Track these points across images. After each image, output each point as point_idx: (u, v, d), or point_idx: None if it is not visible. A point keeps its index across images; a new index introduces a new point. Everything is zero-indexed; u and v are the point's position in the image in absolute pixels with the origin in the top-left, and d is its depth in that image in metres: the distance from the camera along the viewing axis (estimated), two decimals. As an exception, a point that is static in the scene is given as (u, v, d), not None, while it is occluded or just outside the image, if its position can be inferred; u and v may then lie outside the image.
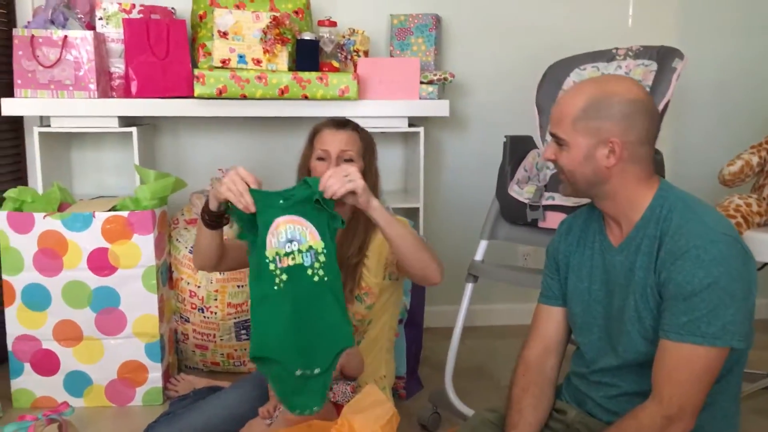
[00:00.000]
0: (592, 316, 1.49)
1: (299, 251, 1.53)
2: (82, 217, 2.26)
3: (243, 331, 2.53)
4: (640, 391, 1.39)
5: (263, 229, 1.51)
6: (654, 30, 3.02)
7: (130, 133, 2.60)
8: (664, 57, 2.08)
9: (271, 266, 1.51)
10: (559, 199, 2.00)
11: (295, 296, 1.51)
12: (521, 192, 2.09)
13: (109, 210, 2.29)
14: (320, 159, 1.87)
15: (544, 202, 2.02)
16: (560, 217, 1.97)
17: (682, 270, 1.30)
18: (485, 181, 2.88)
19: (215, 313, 2.50)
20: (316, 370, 1.53)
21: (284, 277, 1.51)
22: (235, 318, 2.52)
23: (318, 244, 1.54)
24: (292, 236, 1.53)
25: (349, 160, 1.85)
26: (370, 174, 1.87)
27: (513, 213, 2.10)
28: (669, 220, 1.36)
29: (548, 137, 2.13)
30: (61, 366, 2.33)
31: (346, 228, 1.79)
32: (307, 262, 1.53)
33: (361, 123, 2.65)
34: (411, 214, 2.73)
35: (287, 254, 1.52)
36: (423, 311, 2.57)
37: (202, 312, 2.51)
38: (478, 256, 2.19)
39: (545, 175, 2.19)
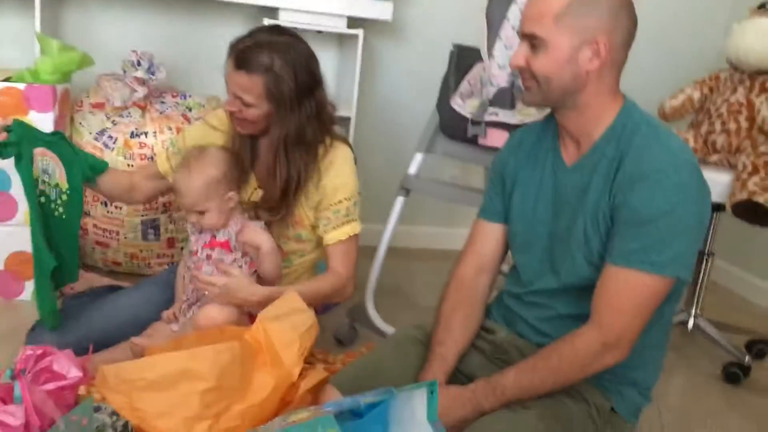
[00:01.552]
0: (534, 236, 1.41)
1: (49, 184, 1.72)
2: (-31, 84, 1.98)
3: (151, 231, 2.35)
4: (575, 314, 1.34)
5: (28, 152, 1.67)
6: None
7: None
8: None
9: (36, 183, 1.71)
10: (503, 116, 1.90)
11: (43, 219, 1.71)
12: (464, 105, 1.98)
13: (3, 80, 2.02)
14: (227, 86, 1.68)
15: (487, 118, 1.92)
16: (502, 134, 1.89)
17: (640, 194, 1.23)
18: (423, 96, 2.74)
19: (121, 209, 2.29)
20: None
21: (42, 199, 1.72)
22: (142, 215, 2.32)
23: (64, 185, 1.73)
24: (45, 169, 1.72)
25: (248, 106, 1.65)
26: (282, 120, 1.66)
27: (453, 127, 2.00)
28: (630, 141, 1.28)
29: (497, 48, 2.03)
30: (-60, 252, 2.09)
31: (275, 153, 1.69)
32: (53, 196, 1.73)
33: (294, 18, 2.48)
34: (341, 123, 2.57)
35: (43, 182, 1.72)
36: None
37: (106, 206, 2.29)
38: (413, 170, 2.08)
39: (489, 91, 2.09)
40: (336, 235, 1.76)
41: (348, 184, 1.76)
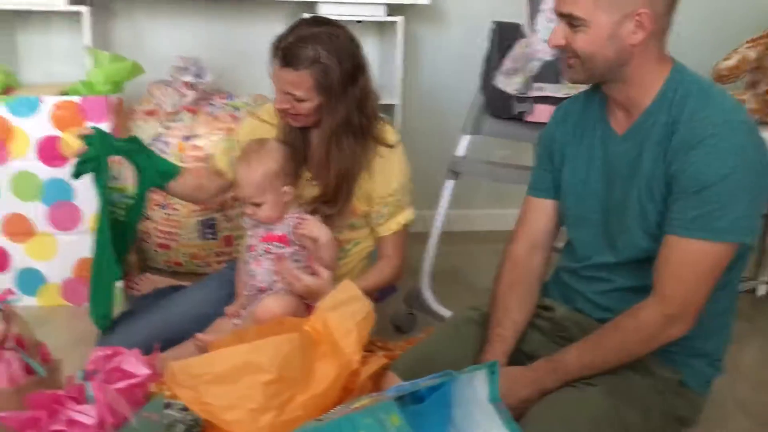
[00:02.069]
0: (587, 210, 1.38)
1: (114, 188, 1.85)
2: (29, 101, 2.06)
3: (208, 230, 2.40)
4: (636, 286, 1.32)
5: (105, 163, 1.75)
6: None
7: (80, 13, 2.36)
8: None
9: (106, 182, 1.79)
10: (549, 90, 1.87)
11: (110, 217, 1.79)
12: (508, 83, 1.95)
13: (60, 95, 2.09)
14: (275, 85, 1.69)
15: (533, 94, 1.89)
16: (550, 109, 1.84)
17: (696, 160, 1.19)
18: (466, 78, 2.71)
19: (178, 211, 2.35)
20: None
21: (107, 197, 1.79)
22: (199, 216, 2.37)
23: (131, 190, 1.85)
24: (117, 175, 1.89)
25: (299, 101, 1.65)
26: (333, 109, 1.67)
27: (498, 105, 1.97)
28: (683, 106, 1.23)
29: (540, 22, 1.99)
30: (12, 263, 2.18)
31: (328, 143, 1.70)
32: (116, 199, 1.83)
33: (333, 10, 2.47)
34: (387, 111, 2.57)
35: (111, 187, 1.82)
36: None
37: (164, 209, 2.36)
38: (460, 152, 2.06)
39: (533, 66, 2.04)
40: (389, 226, 1.79)
41: (398, 173, 1.77)
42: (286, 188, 1.67)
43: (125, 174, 1.84)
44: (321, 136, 1.74)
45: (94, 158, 1.71)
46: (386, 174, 1.75)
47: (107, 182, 1.77)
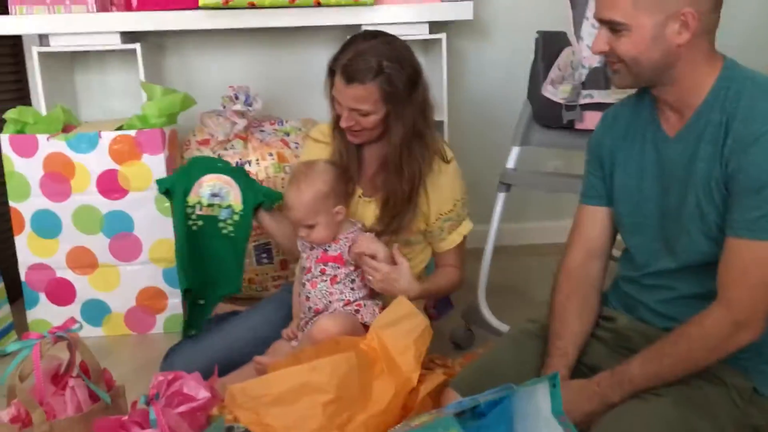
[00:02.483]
0: (643, 216, 1.34)
1: (219, 206, 1.86)
2: (88, 137, 2.13)
3: (263, 255, 2.43)
4: (700, 293, 1.26)
5: (192, 180, 1.86)
6: None
7: (134, 51, 2.45)
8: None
9: (189, 210, 1.86)
10: (598, 97, 1.83)
11: (203, 241, 1.87)
12: (556, 92, 1.92)
13: (116, 130, 2.16)
14: (339, 104, 1.69)
15: (582, 101, 1.86)
16: (600, 116, 1.82)
17: (755, 158, 1.14)
18: (512, 91, 2.70)
19: (233, 237, 2.39)
20: (201, 302, 1.93)
21: (200, 222, 1.87)
22: (254, 241, 2.40)
23: (238, 206, 1.86)
24: (218, 192, 1.86)
25: (366, 114, 1.66)
26: (401, 117, 1.67)
27: (547, 115, 1.94)
28: (737, 102, 1.19)
29: (585, 30, 1.96)
30: (78, 294, 2.25)
31: (399, 152, 1.70)
32: (222, 216, 1.86)
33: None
34: (435, 127, 2.56)
35: (209, 205, 1.86)
36: (451, 230, 2.45)
37: (220, 236, 2.40)
38: (511, 164, 2.04)
39: (581, 74, 2.02)
40: (452, 240, 1.82)
41: (455, 189, 1.78)
42: (337, 208, 1.68)
43: (232, 193, 1.88)
44: (376, 153, 1.76)
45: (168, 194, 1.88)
46: (443, 190, 1.76)
47: (184, 205, 1.85)
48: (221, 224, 1.87)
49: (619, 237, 1.45)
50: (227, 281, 1.92)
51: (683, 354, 1.22)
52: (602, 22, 1.23)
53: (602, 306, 1.44)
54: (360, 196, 1.79)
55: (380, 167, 1.78)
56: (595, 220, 1.44)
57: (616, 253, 1.49)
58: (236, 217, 1.87)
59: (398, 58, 1.65)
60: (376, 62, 1.62)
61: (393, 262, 1.67)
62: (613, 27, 1.21)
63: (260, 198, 1.87)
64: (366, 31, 1.74)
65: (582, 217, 1.46)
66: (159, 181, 1.91)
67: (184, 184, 1.86)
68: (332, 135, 1.80)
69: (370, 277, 1.65)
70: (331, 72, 1.69)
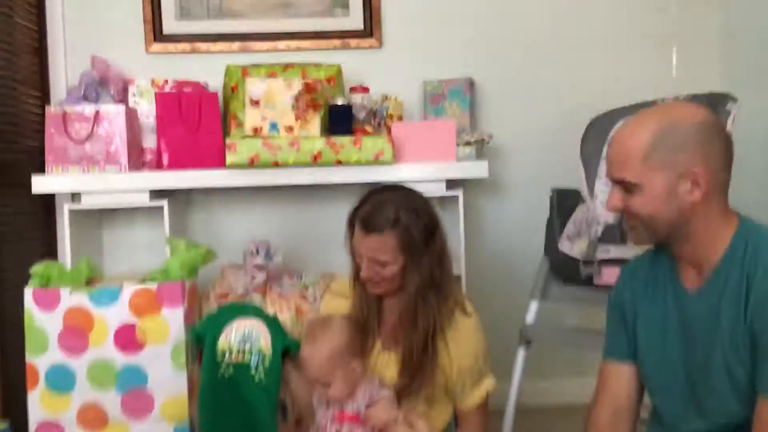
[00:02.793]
0: (669, 374, 1.31)
1: (249, 352, 1.79)
2: (109, 290, 2.15)
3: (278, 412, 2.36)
4: (736, 458, 1.20)
5: (222, 326, 1.82)
6: (699, 81, 2.91)
7: (162, 209, 2.54)
8: (716, 102, 1.97)
9: (220, 358, 1.80)
10: (615, 252, 1.85)
11: (235, 390, 1.79)
12: (572, 247, 1.94)
13: (138, 283, 2.19)
14: (359, 255, 1.74)
15: (599, 257, 1.87)
16: (618, 271, 1.82)
17: None
18: (529, 246, 2.73)
19: (248, 393, 2.34)
20: None
21: (231, 370, 1.80)
22: (269, 397, 2.34)
23: (268, 350, 1.79)
24: (247, 337, 1.80)
25: (385, 265, 1.69)
26: (418, 267, 1.69)
27: (565, 270, 1.96)
28: (756, 260, 1.19)
29: (598, 188, 2.02)
30: (86, 455, 2.17)
31: (415, 303, 1.70)
32: (253, 362, 1.79)
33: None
34: (453, 281, 2.58)
35: (239, 351, 1.80)
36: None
37: (235, 392, 2.34)
38: (530, 319, 2.03)
39: (596, 230, 2.05)
40: (474, 398, 1.76)
41: (476, 343, 1.76)
42: (355, 363, 1.65)
43: (262, 337, 1.83)
44: (394, 305, 1.76)
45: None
46: (464, 345, 1.73)
47: (215, 347, 1.81)
48: (253, 372, 1.81)
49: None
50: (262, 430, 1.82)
51: None
52: (615, 181, 1.27)
53: (634, 471, 1.36)
54: (380, 351, 1.77)
55: (399, 320, 1.77)
56: (620, 377, 1.40)
57: (643, 414, 1.43)
58: (266, 363, 1.81)
59: (415, 208, 1.70)
60: (394, 212, 1.66)
61: (410, 424, 1.61)
62: (626, 186, 1.24)
63: (287, 341, 1.81)
64: (384, 185, 1.81)
65: (607, 374, 1.42)
66: (191, 330, 1.90)
67: (214, 329, 1.84)
68: (352, 288, 1.81)
69: None
70: (351, 224, 1.74)
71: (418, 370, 1.70)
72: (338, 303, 1.85)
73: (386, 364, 1.76)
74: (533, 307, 2.04)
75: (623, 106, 2.13)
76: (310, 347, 1.66)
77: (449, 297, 1.74)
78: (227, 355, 1.81)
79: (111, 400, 2.15)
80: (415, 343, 1.70)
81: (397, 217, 1.66)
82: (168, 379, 2.16)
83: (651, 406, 1.37)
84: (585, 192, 2.08)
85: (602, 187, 2.04)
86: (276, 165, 2.46)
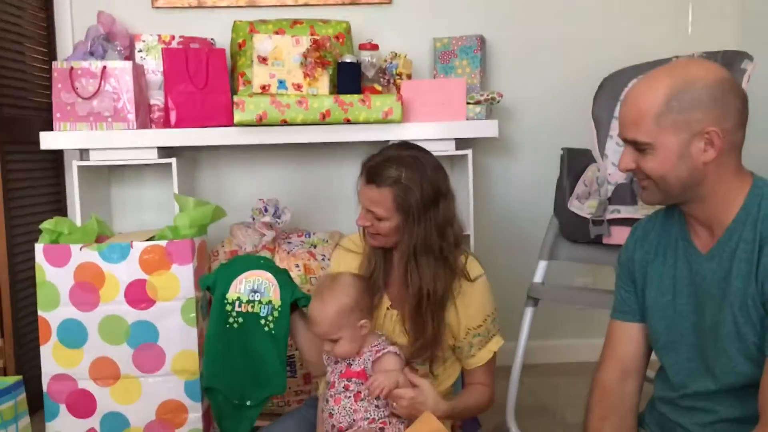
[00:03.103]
0: (678, 334, 1.31)
1: (259, 302, 1.81)
2: (120, 247, 2.17)
3: (288, 368, 2.39)
4: (741, 416, 1.21)
5: (232, 276, 1.83)
6: (715, 39, 2.85)
7: (170, 165, 2.53)
8: (731, 60, 1.94)
9: (229, 307, 1.82)
10: (625, 212, 1.84)
11: (245, 339, 1.81)
12: (582, 207, 1.93)
13: (148, 240, 2.20)
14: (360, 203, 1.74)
15: (609, 216, 1.86)
16: (627, 231, 1.81)
17: None
18: (538, 206, 2.73)
19: (257, 349, 2.36)
20: (248, 403, 1.86)
21: (240, 320, 1.82)
22: (278, 354, 2.37)
23: (277, 301, 1.81)
24: (257, 288, 1.82)
25: (380, 219, 1.69)
26: (411, 230, 1.68)
27: (574, 230, 1.95)
28: None
29: (609, 147, 2.00)
30: (98, 407, 2.20)
31: (406, 264, 1.70)
32: (263, 313, 1.81)
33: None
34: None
35: (249, 302, 1.82)
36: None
37: (244, 348, 2.37)
38: (538, 278, 2.03)
39: (607, 190, 2.04)
40: (481, 357, 1.77)
41: (485, 303, 1.76)
42: (362, 322, 1.66)
43: (272, 289, 1.84)
44: (399, 259, 1.76)
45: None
46: (472, 306, 1.73)
47: (225, 297, 1.83)
48: (263, 321, 1.83)
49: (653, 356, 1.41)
50: (272, 381, 1.85)
51: None
52: (627, 141, 1.25)
53: (638, 428, 1.37)
54: (388, 308, 1.78)
55: (401, 277, 1.78)
56: (628, 336, 1.40)
57: (650, 373, 1.44)
58: (275, 314, 1.82)
59: (421, 175, 1.67)
60: (397, 172, 1.65)
61: (412, 384, 1.63)
62: (638, 146, 1.23)
63: (297, 294, 1.83)
64: (404, 142, 1.79)
65: (614, 333, 1.42)
66: (201, 278, 1.92)
67: (225, 280, 1.85)
68: (362, 242, 1.81)
69: (395, 405, 1.61)
70: (360, 170, 1.74)
71: (420, 330, 1.71)
72: (349, 258, 1.85)
73: (394, 321, 1.77)
74: (541, 266, 2.04)
75: (637, 64, 2.10)
76: (319, 304, 1.66)
77: (452, 265, 1.73)
78: (237, 304, 1.83)
79: (123, 355, 2.18)
80: (409, 303, 1.71)
81: (399, 178, 1.65)
82: (178, 335, 2.18)
83: (659, 366, 1.38)
84: (596, 152, 2.06)
85: (613, 146, 2.02)
86: (284, 123, 2.45)
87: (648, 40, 2.85)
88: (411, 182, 1.66)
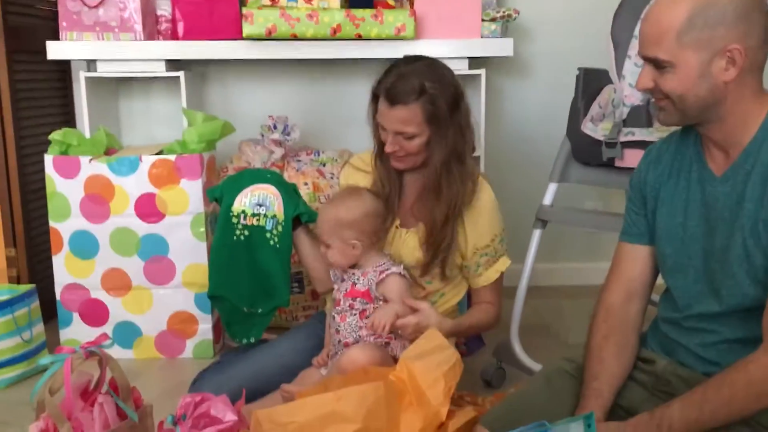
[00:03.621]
0: (687, 256, 1.30)
1: (264, 216, 1.84)
2: (129, 160, 2.17)
3: (295, 285, 2.43)
4: (744, 337, 1.22)
5: (238, 189, 1.85)
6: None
7: (178, 78, 2.50)
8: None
9: (235, 220, 1.84)
10: (639, 135, 1.81)
11: (251, 251, 1.85)
12: (596, 129, 1.90)
13: (157, 154, 2.20)
14: (382, 129, 1.70)
15: (623, 139, 1.83)
16: (640, 154, 1.78)
17: None
18: (550, 128, 2.69)
19: (266, 264, 2.39)
20: (259, 310, 1.92)
21: (246, 232, 1.85)
22: (286, 269, 2.40)
23: (281, 215, 1.83)
24: (262, 201, 1.84)
25: (411, 138, 1.66)
26: (443, 138, 1.67)
27: (586, 152, 1.92)
28: None
29: (627, 68, 1.95)
30: (110, 316, 2.27)
31: (439, 175, 1.69)
32: (269, 226, 1.84)
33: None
34: (471, 162, 2.56)
35: (254, 215, 1.84)
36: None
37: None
38: (547, 200, 2.02)
39: (622, 112, 2.00)
40: (488, 276, 1.79)
41: (493, 223, 1.76)
42: (353, 242, 1.66)
43: (276, 203, 1.85)
44: (416, 181, 1.76)
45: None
46: (480, 224, 1.74)
47: (231, 209, 1.85)
48: (268, 235, 1.85)
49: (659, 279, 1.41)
50: (277, 293, 1.90)
51: (725, 401, 1.17)
52: (646, 59, 1.21)
53: (640, 347, 1.39)
54: (397, 227, 1.78)
55: (419, 196, 1.77)
56: (635, 258, 1.40)
57: (654, 296, 1.45)
58: (279, 228, 1.84)
59: (440, 78, 1.66)
60: (419, 83, 1.63)
61: (413, 310, 1.64)
62: (658, 64, 1.19)
63: (300, 209, 1.85)
64: (407, 56, 1.75)
65: (622, 255, 1.42)
66: (209, 190, 1.93)
67: (232, 192, 1.87)
68: (373, 164, 1.80)
69: (401, 332, 1.63)
70: (375, 97, 1.70)
71: (440, 244, 1.72)
72: (359, 177, 1.84)
73: (403, 241, 1.77)
74: (551, 188, 2.02)
75: (660, -18, 2.02)
76: (325, 206, 1.72)
77: (471, 171, 1.73)
78: (242, 217, 1.85)
79: (134, 266, 2.23)
80: (438, 216, 1.70)
81: (423, 88, 1.63)
82: (188, 248, 2.22)
83: (664, 288, 1.39)
84: (613, 72, 2.01)
85: (631, 67, 1.97)
86: (294, 38, 2.39)
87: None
88: (435, 89, 1.64)
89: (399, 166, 1.73)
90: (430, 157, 1.70)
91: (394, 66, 1.70)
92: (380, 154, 1.75)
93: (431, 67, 1.68)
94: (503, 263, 1.81)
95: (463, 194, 1.71)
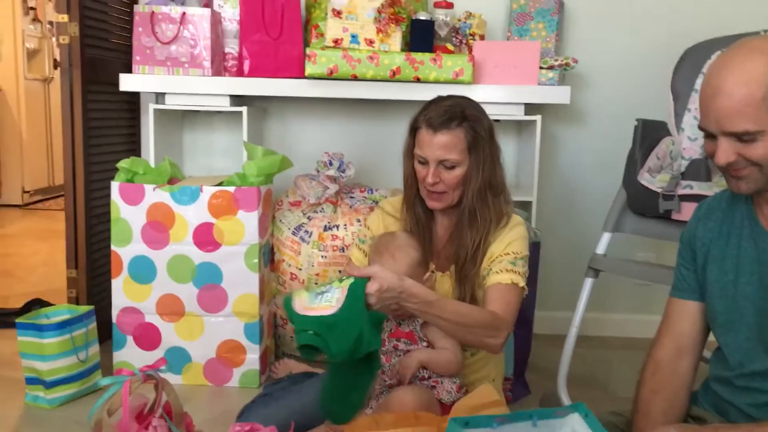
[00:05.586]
0: (738, 314, 1.28)
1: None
2: (191, 190, 2.25)
3: (342, 319, 2.44)
4: (798, 399, 1.19)
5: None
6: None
7: (240, 114, 2.59)
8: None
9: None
10: (698, 189, 1.80)
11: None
12: (653, 180, 1.89)
13: (217, 185, 2.27)
14: (420, 162, 1.73)
15: (681, 192, 1.82)
16: (697, 208, 1.77)
17: None
18: (604, 178, 2.69)
19: (315, 298, 2.42)
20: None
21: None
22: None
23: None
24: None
25: (452, 168, 1.69)
26: (480, 170, 1.70)
27: (643, 203, 1.91)
28: None
29: (686, 121, 1.94)
30: (163, 341, 2.32)
31: (474, 203, 1.72)
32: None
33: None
34: (523, 207, 2.56)
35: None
36: (533, 314, 2.40)
37: (302, 296, 2.44)
38: (600, 249, 2.01)
39: (680, 164, 1.98)
40: (497, 278, 1.67)
41: (518, 242, 1.72)
42: (427, 275, 1.69)
43: None
44: (446, 224, 1.78)
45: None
46: (505, 243, 1.72)
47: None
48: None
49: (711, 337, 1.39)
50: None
51: None
52: (728, 134, 1.17)
53: (692, 406, 1.36)
54: (432, 271, 1.79)
55: (451, 238, 1.79)
56: (686, 314, 1.38)
57: (707, 353, 1.42)
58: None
59: (477, 108, 1.74)
60: (460, 110, 1.69)
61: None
62: (742, 137, 1.16)
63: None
64: (438, 96, 1.80)
65: (672, 310, 1.41)
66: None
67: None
68: (403, 210, 1.82)
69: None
70: (413, 130, 1.74)
71: (468, 273, 1.71)
72: (390, 221, 1.86)
73: (440, 286, 1.78)
74: (605, 237, 2.01)
75: (721, 36, 2.02)
76: (389, 260, 1.67)
77: (505, 203, 1.76)
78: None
79: (188, 293, 2.28)
80: (469, 244, 1.71)
81: (464, 114, 1.69)
82: (241, 278, 2.27)
83: (716, 346, 1.36)
84: (672, 125, 2.01)
85: (690, 120, 1.97)
86: (354, 78, 2.46)
87: (734, 10, 2.73)
88: (475, 117, 1.70)
89: (436, 205, 1.75)
90: (464, 193, 1.72)
91: (432, 101, 1.76)
92: (415, 195, 1.78)
93: (468, 99, 1.76)
94: (516, 278, 1.67)
95: (496, 224, 1.72)
